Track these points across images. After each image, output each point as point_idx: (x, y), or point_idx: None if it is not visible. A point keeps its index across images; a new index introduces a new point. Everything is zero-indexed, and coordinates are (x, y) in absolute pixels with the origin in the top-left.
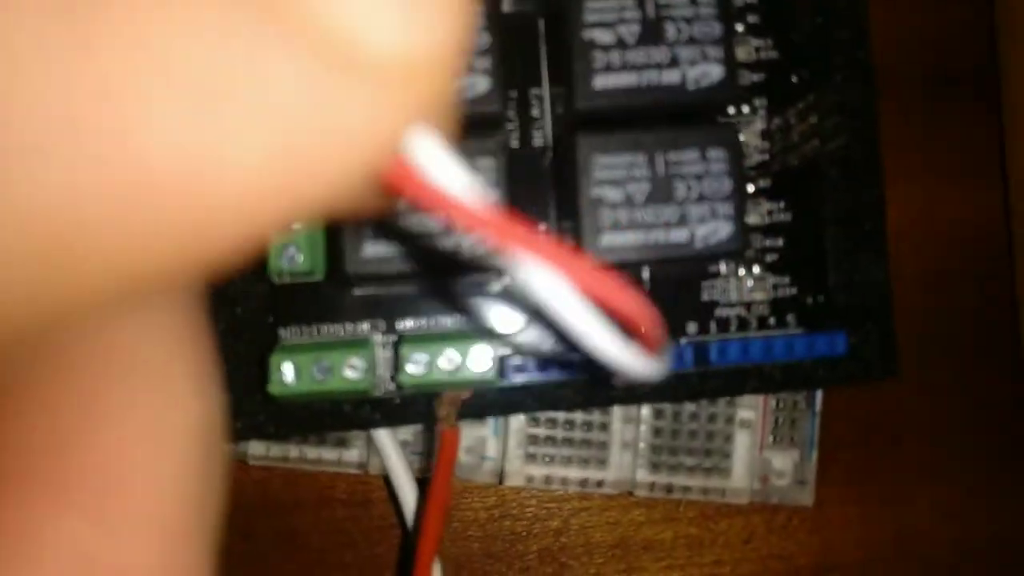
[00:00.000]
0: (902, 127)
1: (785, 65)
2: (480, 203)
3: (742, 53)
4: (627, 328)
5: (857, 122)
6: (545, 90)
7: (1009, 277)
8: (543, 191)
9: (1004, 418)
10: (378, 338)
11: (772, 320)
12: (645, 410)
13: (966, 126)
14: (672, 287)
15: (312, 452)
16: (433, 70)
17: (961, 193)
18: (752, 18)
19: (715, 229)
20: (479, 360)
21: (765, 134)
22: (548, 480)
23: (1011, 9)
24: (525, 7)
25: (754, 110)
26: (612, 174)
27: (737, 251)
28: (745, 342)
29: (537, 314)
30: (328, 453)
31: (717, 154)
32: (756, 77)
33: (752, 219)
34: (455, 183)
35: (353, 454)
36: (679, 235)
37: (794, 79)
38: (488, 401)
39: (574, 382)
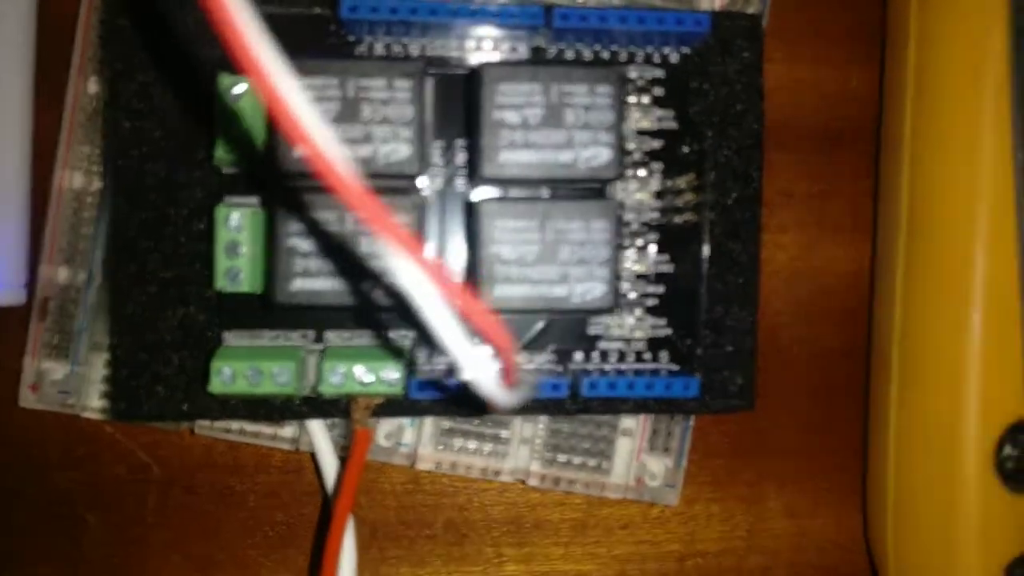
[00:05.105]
0: (793, 178)
1: (681, 135)
2: None
3: (645, 122)
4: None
5: (745, 188)
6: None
7: (866, 322)
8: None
9: (846, 440)
10: (308, 346)
11: (648, 355)
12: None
13: (851, 181)
14: (564, 322)
15: (251, 427)
16: None
17: (837, 243)
18: (657, 91)
19: (591, 288)
20: (389, 377)
21: (659, 195)
22: (454, 466)
23: (895, 75)
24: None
25: (651, 173)
26: (509, 236)
27: (608, 309)
28: (614, 378)
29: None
30: (266, 429)
31: (600, 225)
32: (656, 144)
33: (638, 268)
34: None
35: (287, 432)
36: (560, 291)
37: (685, 149)
38: (398, 406)
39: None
